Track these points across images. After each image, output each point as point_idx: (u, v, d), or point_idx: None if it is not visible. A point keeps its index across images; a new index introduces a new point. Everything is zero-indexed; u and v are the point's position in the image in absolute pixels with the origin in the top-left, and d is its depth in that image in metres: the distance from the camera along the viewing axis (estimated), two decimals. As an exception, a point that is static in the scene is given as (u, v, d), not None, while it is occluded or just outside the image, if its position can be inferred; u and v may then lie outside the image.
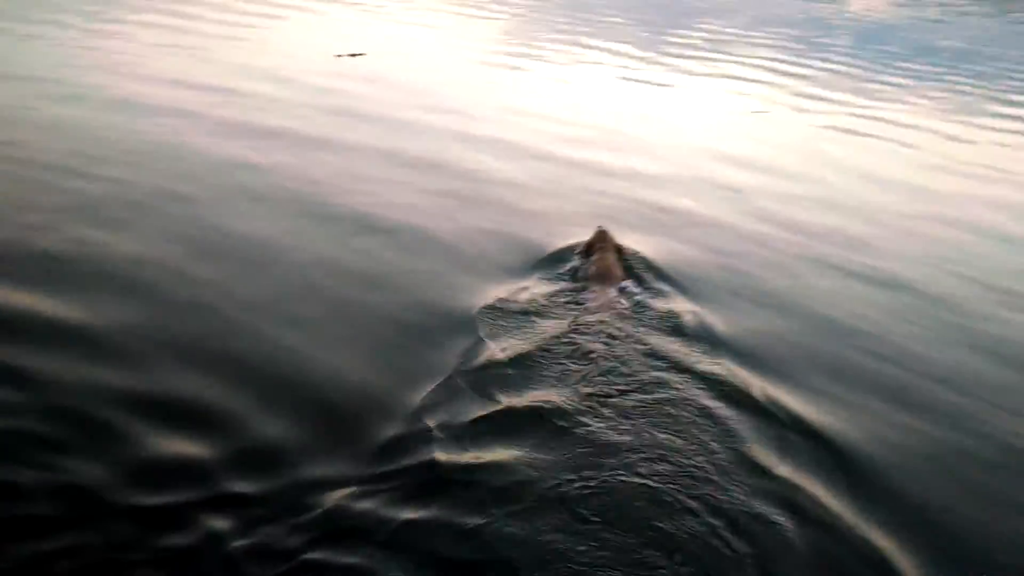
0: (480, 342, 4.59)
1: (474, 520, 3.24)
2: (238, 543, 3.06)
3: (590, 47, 15.65)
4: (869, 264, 6.57)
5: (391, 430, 3.82)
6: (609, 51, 15.37)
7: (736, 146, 9.80)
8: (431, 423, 3.85)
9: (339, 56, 12.12)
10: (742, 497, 3.51)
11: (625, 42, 16.22)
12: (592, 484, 3.47)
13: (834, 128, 11.19)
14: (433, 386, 4.16)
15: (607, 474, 3.54)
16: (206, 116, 8.47)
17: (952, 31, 23.78)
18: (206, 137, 7.80)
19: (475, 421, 3.88)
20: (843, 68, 15.96)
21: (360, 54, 12.28)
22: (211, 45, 12.25)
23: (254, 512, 3.23)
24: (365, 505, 3.30)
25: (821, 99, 12.87)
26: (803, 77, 14.61)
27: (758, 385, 4.47)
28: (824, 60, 16.51)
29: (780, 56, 16.48)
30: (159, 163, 6.98)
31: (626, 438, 3.79)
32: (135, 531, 3.09)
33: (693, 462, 3.68)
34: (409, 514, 3.26)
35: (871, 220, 7.64)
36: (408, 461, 3.59)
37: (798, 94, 13.24)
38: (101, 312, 4.59)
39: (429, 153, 8.16)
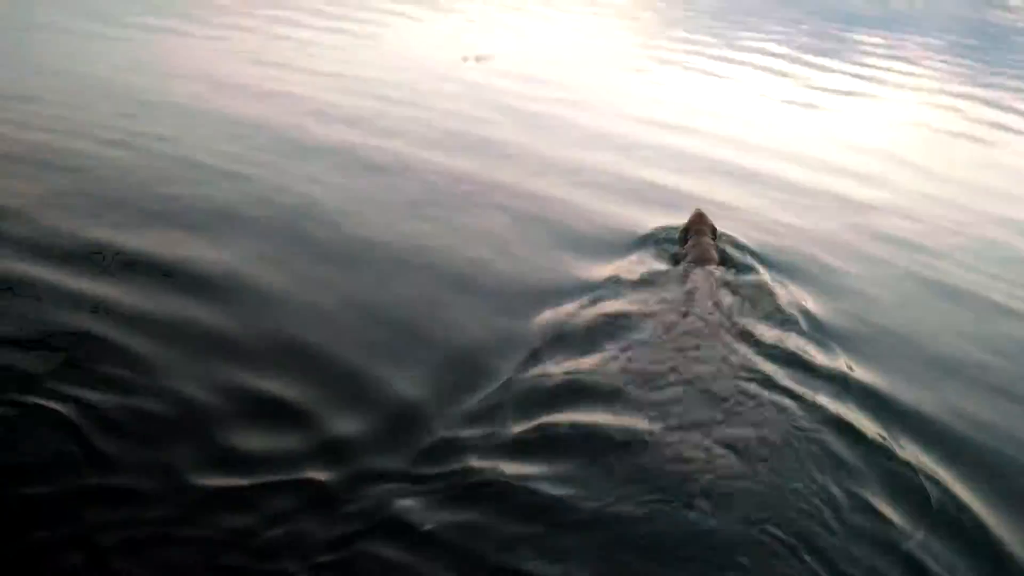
0: (572, 321, 4.72)
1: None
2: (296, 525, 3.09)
3: (727, 48, 15.45)
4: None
5: (476, 399, 3.91)
6: (752, 52, 15.17)
7: (861, 155, 9.56)
8: (510, 402, 3.90)
9: (466, 59, 12.19)
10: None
11: (767, 45, 15.87)
12: (670, 505, 3.28)
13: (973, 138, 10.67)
14: (519, 362, 4.22)
15: (687, 496, 3.31)
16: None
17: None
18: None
19: (550, 404, 3.88)
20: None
21: (488, 56, 12.48)
22: (322, 54, 11.90)
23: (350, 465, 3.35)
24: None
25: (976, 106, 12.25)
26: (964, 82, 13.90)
27: (873, 385, 4.34)
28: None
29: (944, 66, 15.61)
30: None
31: (718, 447, 3.59)
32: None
33: (792, 488, 3.39)
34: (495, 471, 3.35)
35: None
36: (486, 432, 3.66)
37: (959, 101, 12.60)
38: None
39: (555, 145, 8.55)
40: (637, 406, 3.90)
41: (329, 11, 15.54)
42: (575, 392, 4.01)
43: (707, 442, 3.63)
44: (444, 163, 7.61)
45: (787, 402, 3.98)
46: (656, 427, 3.73)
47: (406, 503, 3.18)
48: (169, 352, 4.05)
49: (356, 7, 16.35)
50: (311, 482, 3.28)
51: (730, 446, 3.62)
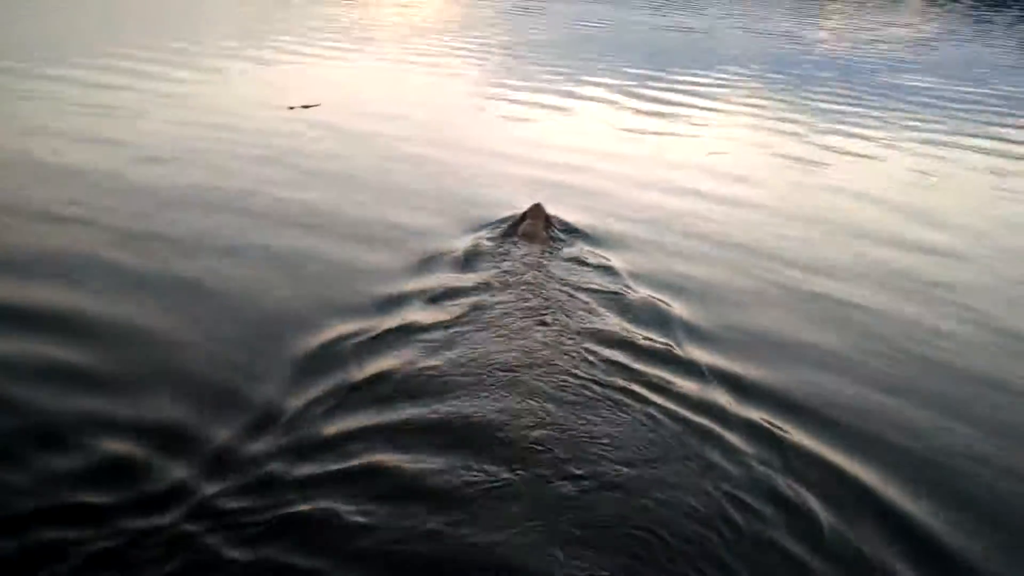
0: (425, 286, 5.61)
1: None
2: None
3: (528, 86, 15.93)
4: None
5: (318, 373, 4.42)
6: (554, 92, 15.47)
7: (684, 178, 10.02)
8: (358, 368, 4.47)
9: (292, 108, 12.37)
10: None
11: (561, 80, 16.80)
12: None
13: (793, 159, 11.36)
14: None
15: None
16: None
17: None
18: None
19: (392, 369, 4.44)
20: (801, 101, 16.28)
21: (314, 104, 12.72)
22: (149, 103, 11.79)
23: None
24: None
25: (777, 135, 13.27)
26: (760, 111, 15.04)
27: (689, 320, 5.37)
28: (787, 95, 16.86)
29: (739, 94, 16.77)
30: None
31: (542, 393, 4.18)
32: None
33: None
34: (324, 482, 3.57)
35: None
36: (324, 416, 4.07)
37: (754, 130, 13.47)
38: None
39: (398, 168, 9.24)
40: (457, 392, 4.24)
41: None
42: (404, 396, 4.26)
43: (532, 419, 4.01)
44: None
45: (593, 344, 4.77)
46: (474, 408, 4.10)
47: (220, 538, 3.28)
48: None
49: (173, 57, 16.10)
50: (136, 525, 3.35)
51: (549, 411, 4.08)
